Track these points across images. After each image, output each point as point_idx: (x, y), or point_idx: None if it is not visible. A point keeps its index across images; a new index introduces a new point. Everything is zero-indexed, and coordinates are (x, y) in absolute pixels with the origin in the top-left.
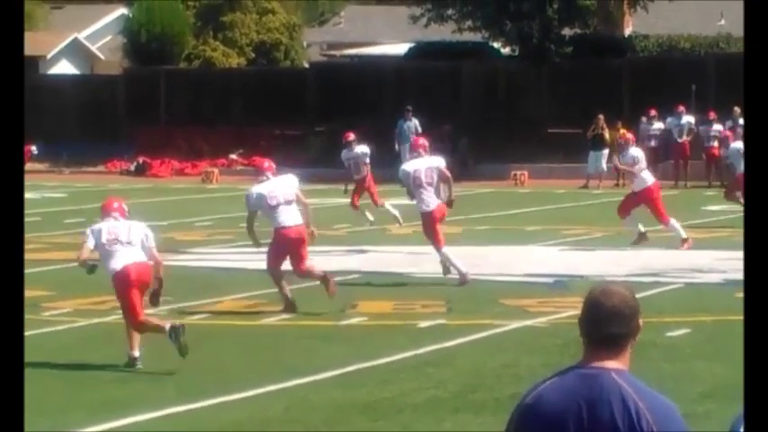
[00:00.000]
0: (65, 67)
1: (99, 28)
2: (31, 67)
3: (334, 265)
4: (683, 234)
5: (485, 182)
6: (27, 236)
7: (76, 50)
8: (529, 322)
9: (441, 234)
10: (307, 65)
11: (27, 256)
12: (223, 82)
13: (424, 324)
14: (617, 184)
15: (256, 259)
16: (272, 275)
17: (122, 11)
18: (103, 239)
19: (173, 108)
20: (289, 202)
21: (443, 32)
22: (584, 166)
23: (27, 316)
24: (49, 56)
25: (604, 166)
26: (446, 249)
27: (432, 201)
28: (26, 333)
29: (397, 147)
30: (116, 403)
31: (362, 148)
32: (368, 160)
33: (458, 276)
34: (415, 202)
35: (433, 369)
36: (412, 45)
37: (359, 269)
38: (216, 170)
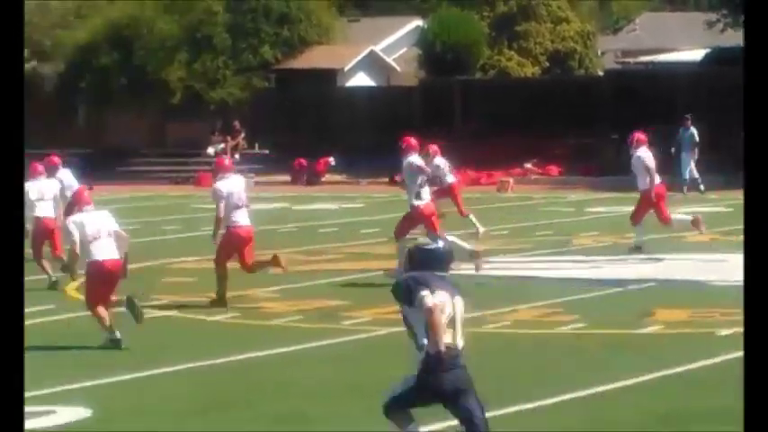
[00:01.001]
0: (361, 80)
1: (395, 40)
2: (329, 79)
3: (630, 274)
4: (688, 217)
5: None
6: (324, 246)
7: (373, 62)
8: None
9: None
10: (601, 73)
11: (323, 266)
12: (518, 91)
13: (723, 332)
14: None
15: (551, 268)
16: (219, 271)
17: (417, 22)
18: (88, 232)
19: (468, 118)
20: (247, 206)
21: (740, 38)
22: None
23: (326, 325)
24: (346, 68)
25: None
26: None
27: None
28: (325, 342)
29: (673, 152)
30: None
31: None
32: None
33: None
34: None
35: (733, 378)
36: (708, 51)
37: (655, 277)
38: (511, 179)
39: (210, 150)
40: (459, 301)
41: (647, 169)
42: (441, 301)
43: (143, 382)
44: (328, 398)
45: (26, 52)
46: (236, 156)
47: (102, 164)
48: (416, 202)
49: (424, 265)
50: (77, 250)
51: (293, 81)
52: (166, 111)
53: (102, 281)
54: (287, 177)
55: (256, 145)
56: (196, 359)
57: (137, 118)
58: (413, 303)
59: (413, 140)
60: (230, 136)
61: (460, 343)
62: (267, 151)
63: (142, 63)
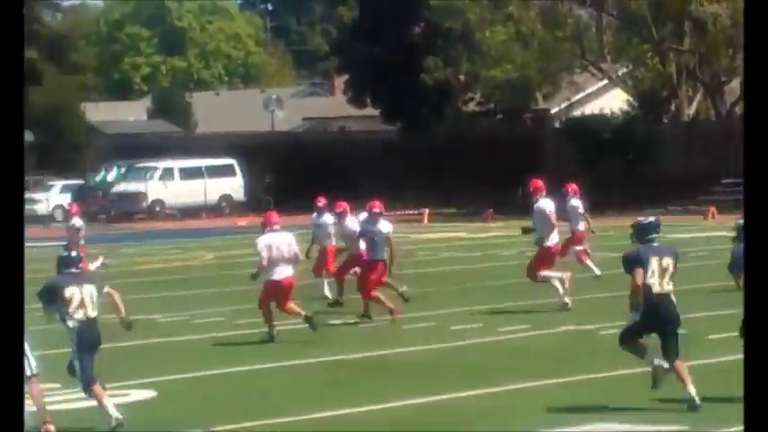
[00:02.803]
0: None
1: None
2: None
3: None
4: None
5: None
6: None
7: None
8: None
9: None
10: None
11: None
12: None
13: None
14: None
15: None
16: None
17: None
18: (274, 253)
19: None
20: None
21: None
22: None
23: None
24: None
25: None
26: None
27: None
28: None
29: None
30: None
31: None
32: (577, 216)
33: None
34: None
35: None
36: None
37: None
38: None
39: None
40: (86, 287)
41: None
42: (71, 294)
43: None
44: None
45: None
46: None
47: None
48: (547, 244)
49: (63, 266)
50: (264, 265)
51: None
52: None
53: (275, 294)
54: None
55: None
56: None
57: None
58: (49, 306)
59: (539, 183)
60: None
61: (93, 314)
62: None
63: None
